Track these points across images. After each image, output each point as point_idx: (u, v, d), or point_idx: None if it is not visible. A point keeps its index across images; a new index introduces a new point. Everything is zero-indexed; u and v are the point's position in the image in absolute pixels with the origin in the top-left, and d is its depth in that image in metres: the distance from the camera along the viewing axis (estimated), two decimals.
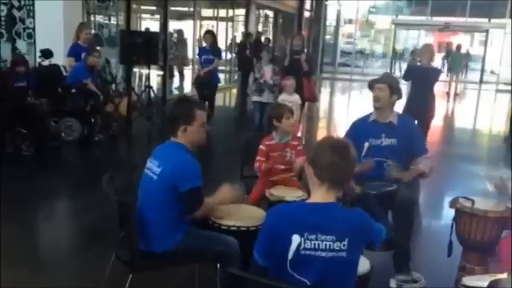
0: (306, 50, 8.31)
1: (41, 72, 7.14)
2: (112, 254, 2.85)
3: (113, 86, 8.56)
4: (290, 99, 6.70)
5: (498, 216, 3.35)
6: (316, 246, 1.95)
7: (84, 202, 4.95)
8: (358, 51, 28.01)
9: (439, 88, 16.77)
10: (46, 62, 7.29)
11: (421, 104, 6.52)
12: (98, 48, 7.84)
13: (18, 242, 4.02)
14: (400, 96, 3.88)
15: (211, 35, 8.84)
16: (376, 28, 32.02)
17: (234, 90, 15.31)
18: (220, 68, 16.00)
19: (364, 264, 2.46)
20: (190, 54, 14.00)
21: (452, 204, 3.56)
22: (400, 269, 3.62)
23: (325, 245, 1.95)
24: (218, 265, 2.74)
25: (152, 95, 8.74)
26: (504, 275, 2.42)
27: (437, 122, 11.64)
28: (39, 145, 6.39)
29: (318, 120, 11.80)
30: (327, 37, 25.96)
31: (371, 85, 3.87)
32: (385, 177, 3.67)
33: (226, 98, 15.27)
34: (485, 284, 2.46)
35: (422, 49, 6.73)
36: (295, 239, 1.96)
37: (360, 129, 3.89)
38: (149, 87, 8.54)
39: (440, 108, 13.93)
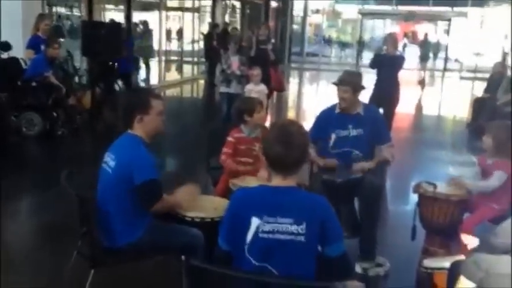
0: (273, 40, 8.29)
1: (0, 66, 6.91)
2: (74, 251, 2.79)
3: (76, 78, 8.34)
4: (257, 89, 6.67)
5: (459, 199, 3.42)
6: (275, 229, 1.97)
7: (47, 198, 4.83)
8: (325, 41, 28.22)
9: (409, 76, 17.16)
10: (5, 55, 7.05)
11: (387, 91, 6.65)
12: (62, 40, 7.62)
13: None
14: (363, 88, 3.90)
15: None
16: (343, 18, 32.26)
17: (202, 81, 15.20)
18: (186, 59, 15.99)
19: None
20: (156, 46, 13.78)
21: (416, 188, 3.62)
22: (366, 255, 3.67)
23: (283, 227, 1.97)
24: (183, 257, 2.72)
25: (117, 87, 8.58)
26: (462, 257, 2.46)
27: (405, 109, 11.86)
28: None
29: (286, 110, 11.83)
30: (295, 27, 26.01)
31: (336, 84, 3.87)
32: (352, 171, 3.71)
33: (194, 89, 15.16)
34: (447, 264, 2.51)
35: (386, 38, 6.83)
36: (254, 221, 1.99)
37: (326, 120, 3.92)
38: (113, 79, 8.38)
39: (410, 95, 14.21)
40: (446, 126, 11.06)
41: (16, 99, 6.70)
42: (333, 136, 3.82)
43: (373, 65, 6.87)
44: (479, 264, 2.26)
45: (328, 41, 28.22)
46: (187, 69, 16.49)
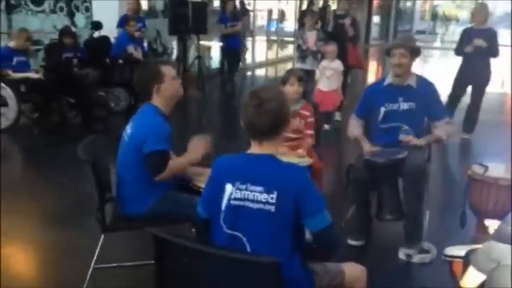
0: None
1: (91, 44, 7.41)
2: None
3: (165, 57, 8.68)
4: (331, 66, 6.46)
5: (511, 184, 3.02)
6: (245, 196, 1.92)
7: None
8: (441, 17, 26.45)
9: None
10: (96, 34, 7.53)
11: (475, 70, 6.08)
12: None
13: (45, 199, 4.33)
14: (419, 52, 3.61)
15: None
16: None
17: None
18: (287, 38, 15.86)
19: None
20: (252, 26, 13.87)
21: (465, 170, 3.27)
22: (410, 239, 3.43)
23: (253, 195, 1.91)
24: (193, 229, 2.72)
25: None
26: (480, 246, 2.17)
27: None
28: (86, 114, 6.66)
29: None
30: (408, 4, 24.67)
31: (389, 51, 3.59)
32: (400, 143, 3.48)
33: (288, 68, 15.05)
34: (462, 252, 2.26)
35: (475, 9, 6.16)
36: (228, 188, 1.95)
37: (374, 94, 3.71)
38: (199, 57, 8.60)
39: None
40: None
41: (105, 76, 7.10)
42: (382, 110, 3.58)
43: (459, 50, 6.23)
44: (490, 254, 1.98)
45: (439, 18, 26.33)
46: (288, 49, 16.42)
